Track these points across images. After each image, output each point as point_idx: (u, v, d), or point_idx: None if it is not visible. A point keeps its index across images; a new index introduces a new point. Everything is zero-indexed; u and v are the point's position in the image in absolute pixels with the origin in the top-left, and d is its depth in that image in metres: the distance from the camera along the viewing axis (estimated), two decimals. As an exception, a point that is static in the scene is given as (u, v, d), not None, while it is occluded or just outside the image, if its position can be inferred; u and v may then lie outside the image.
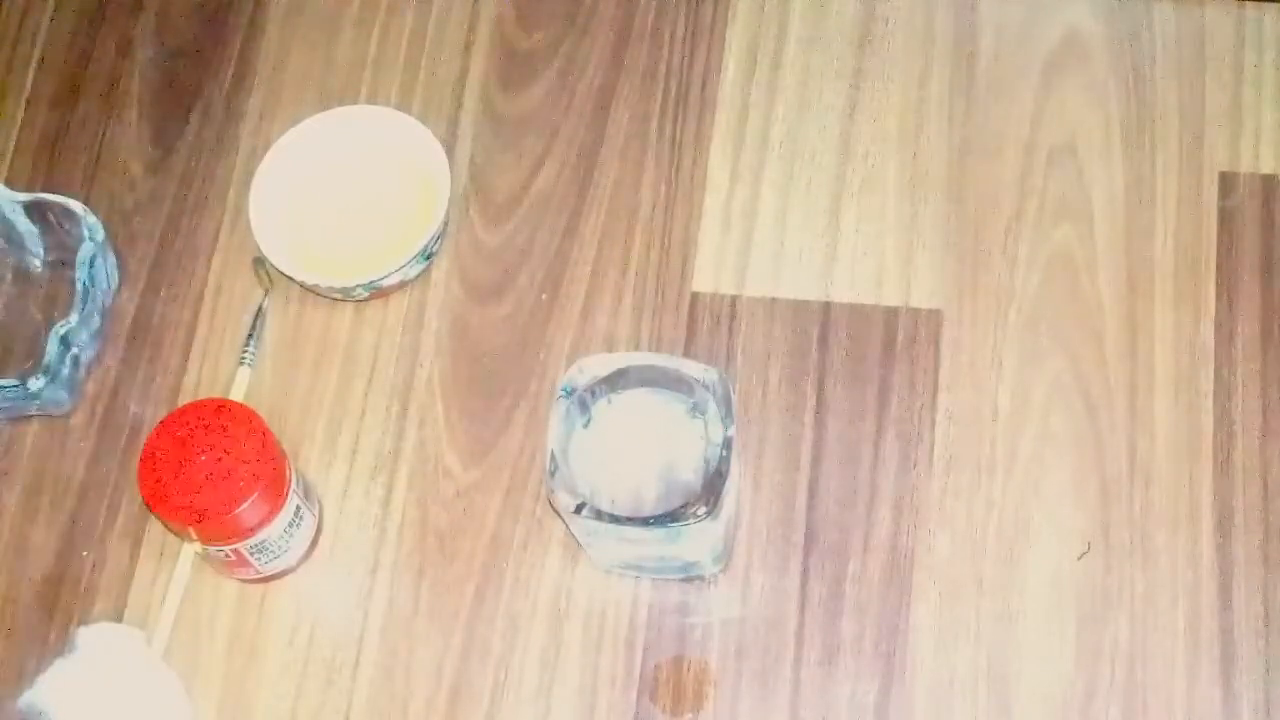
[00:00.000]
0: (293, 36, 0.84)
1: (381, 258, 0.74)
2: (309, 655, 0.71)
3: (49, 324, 0.74)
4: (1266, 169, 0.76)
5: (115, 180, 0.81)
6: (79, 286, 0.75)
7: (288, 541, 0.70)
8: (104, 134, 0.82)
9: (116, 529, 0.74)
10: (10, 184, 0.80)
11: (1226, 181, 0.76)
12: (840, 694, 0.69)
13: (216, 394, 0.76)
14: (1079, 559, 0.70)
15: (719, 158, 0.79)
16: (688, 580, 0.71)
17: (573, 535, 0.70)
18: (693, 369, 0.63)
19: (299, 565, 0.72)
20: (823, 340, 0.75)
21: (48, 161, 0.82)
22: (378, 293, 0.76)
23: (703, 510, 0.61)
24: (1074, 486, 0.71)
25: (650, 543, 0.66)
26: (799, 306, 0.75)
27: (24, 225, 0.77)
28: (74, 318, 0.74)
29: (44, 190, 0.79)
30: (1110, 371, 0.73)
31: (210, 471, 0.66)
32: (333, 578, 0.73)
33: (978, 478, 0.72)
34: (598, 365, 0.64)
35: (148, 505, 0.66)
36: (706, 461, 0.63)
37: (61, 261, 0.77)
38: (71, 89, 0.83)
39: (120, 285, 0.79)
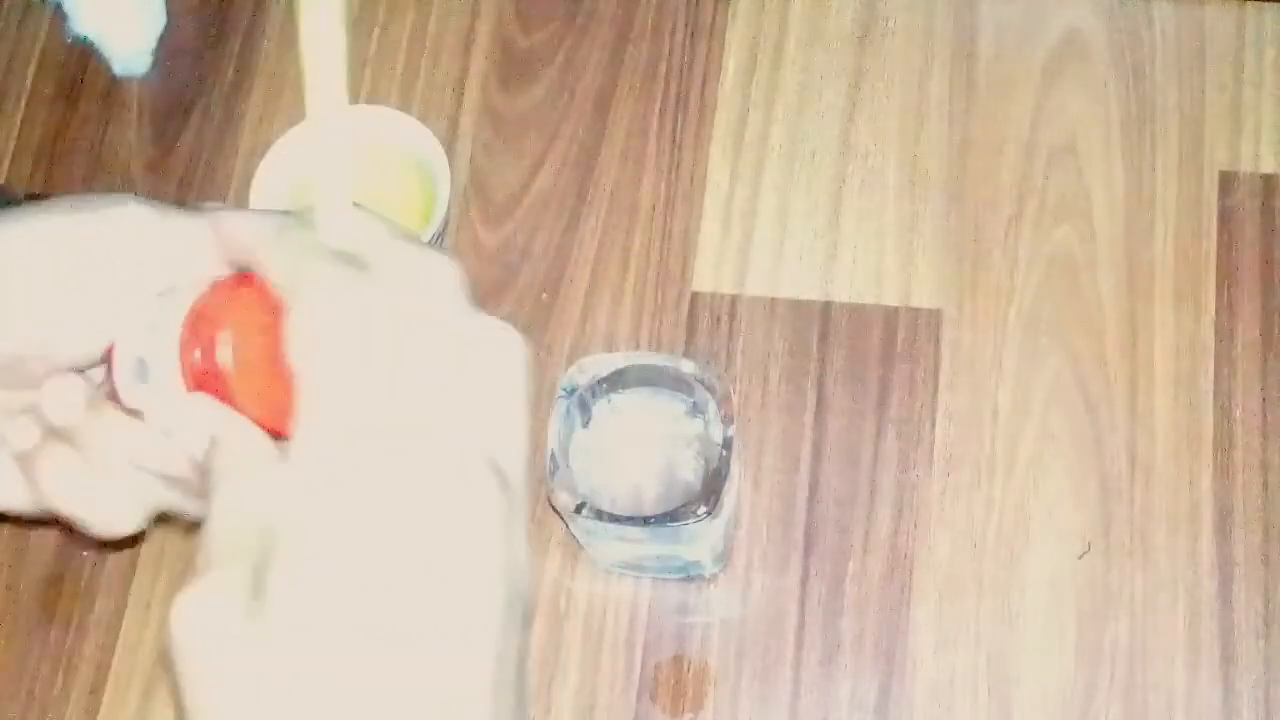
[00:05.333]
0: (293, 37, 0.83)
1: (381, 258, 0.74)
2: (309, 655, 0.71)
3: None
4: (1266, 169, 0.76)
5: (115, 180, 0.81)
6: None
7: None
8: (104, 134, 0.82)
9: (116, 529, 0.74)
10: (10, 184, 0.80)
11: (1226, 181, 0.76)
12: (840, 694, 0.69)
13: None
14: (1079, 559, 0.70)
15: (719, 158, 0.79)
16: (688, 580, 0.71)
17: (573, 535, 0.70)
18: (692, 369, 0.63)
19: None
20: (823, 340, 0.75)
21: (48, 161, 0.82)
22: (378, 293, 0.76)
23: (703, 510, 0.61)
24: (1074, 486, 0.71)
25: (650, 542, 0.66)
26: (799, 306, 0.75)
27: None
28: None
29: (44, 190, 0.79)
30: (1110, 371, 0.73)
31: None
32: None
33: (978, 478, 0.72)
34: (598, 365, 0.64)
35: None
36: (706, 461, 0.63)
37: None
38: (71, 89, 0.83)
39: (120, 285, 0.79)
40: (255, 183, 0.77)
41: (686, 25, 0.82)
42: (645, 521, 0.62)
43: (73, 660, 0.72)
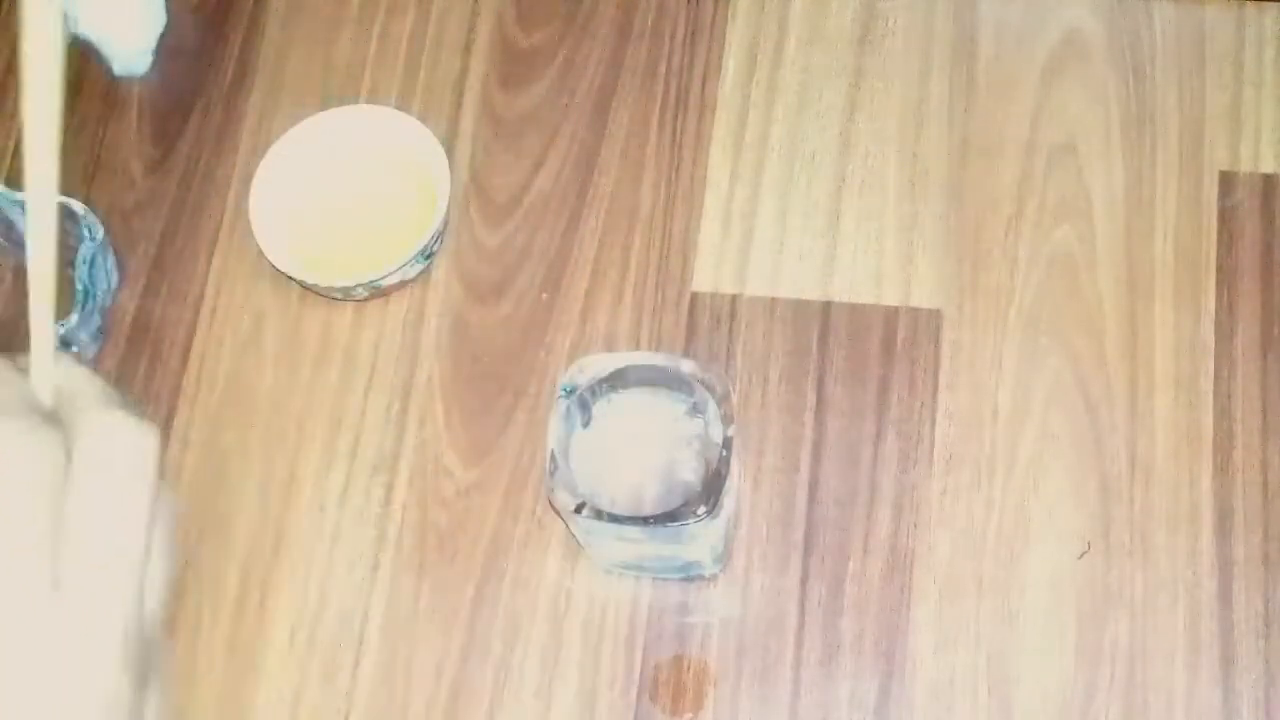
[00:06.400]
0: (293, 36, 0.84)
1: (381, 258, 0.74)
2: (309, 655, 0.71)
3: (49, 324, 0.74)
4: (1266, 169, 0.76)
5: (115, 180, 0.81)
6: (79, 286, 0.75)
7: None
8: (104, 134, 0.82)
9: (116, 529, 0.74)
10: (10, 184, 0.80)
11: (1226, 181, 0.76)
12: (840, 694, 0.69)
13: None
14: (1079, 559, 0.70)
15: (719, 158, 0.79)
16: (688, 580, 0.71)
17: (573, 535, 0.70)
18: (692, 369, 0.63)
19: None
20: (823, 340, 0.75)
21: (48, 161, 0.82)
22: (378, 293, 0.76)
23: (703, 510, 0.61)
24: (1074, 486, 0.71)
25: (650, 542, 0.66)
26: (799, 306, 0.75)
27: (24, 225, 0.77)
28: (74, 318, 0.74)
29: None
30: (1110, 371, 0.73)
31: None
32: (333, 578, 0.73)
33: (978, 478, 0.72)
34: (598, 365, 0.64)
35: None
36: (706, 461, 0.63)
37: (62, 261, 0.77)
38: (71, 89, 0.83)
39: (120, 285, 0.79)
40: (255, 183, 0.77)
41: (686, 25, 0.82)
42: (645, 521, 0.62)
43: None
